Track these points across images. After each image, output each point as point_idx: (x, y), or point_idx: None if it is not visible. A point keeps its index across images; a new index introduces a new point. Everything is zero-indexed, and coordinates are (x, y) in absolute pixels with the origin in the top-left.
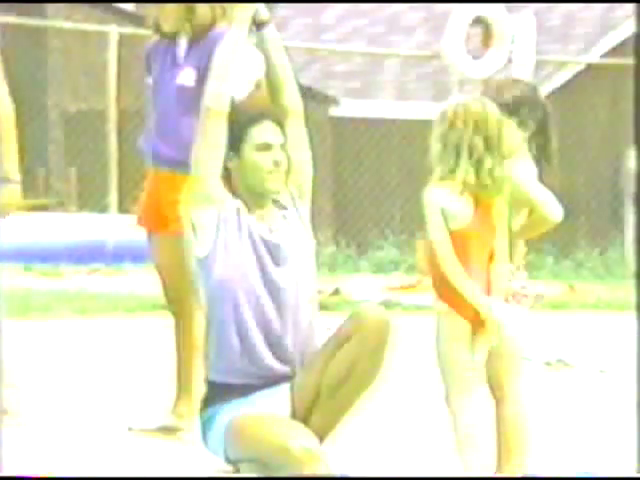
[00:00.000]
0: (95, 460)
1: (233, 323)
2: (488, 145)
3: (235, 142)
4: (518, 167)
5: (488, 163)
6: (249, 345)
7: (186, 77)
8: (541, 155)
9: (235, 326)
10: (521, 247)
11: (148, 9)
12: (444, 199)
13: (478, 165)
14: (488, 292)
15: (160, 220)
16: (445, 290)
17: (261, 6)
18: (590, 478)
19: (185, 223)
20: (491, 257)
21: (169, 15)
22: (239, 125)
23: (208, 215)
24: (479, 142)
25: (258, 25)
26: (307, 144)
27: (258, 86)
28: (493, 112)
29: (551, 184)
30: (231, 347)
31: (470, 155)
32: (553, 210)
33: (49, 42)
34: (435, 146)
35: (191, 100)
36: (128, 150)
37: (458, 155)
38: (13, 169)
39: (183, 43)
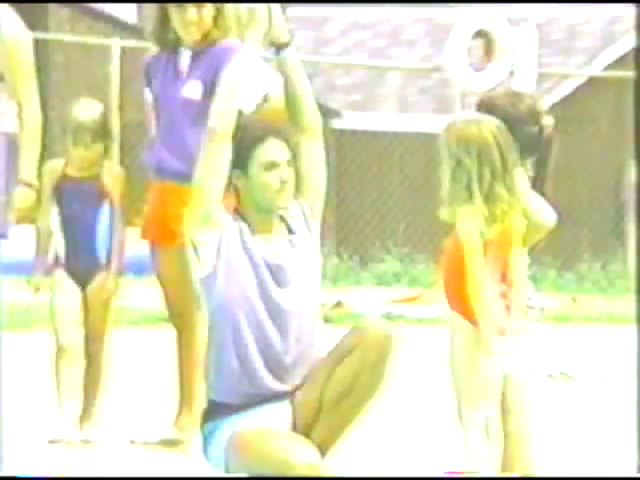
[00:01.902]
0: (97, 472)
1: (233, 345)
2: (494, 173)
3: (242, 161)
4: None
5: (498, 190)
6: (249, 368)
7: (192, 90)
8: (539, 167)
9: (235, 348)
10: (525, 259)
11: (149, 20)
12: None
13: (488, 197)
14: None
15: (165, 233)
16: (461, 301)
17: (283, 28)
18: (590, 478)
19: (187, 241)
20: (504, 275)
21: (195, 23)
22: (245, 144)
23: (209, 236)
24: (487, 173)
25: (279, 47)
26: (323, 164)
27: (266, 100)
28: (491, 133)
29: (548, 195)
30: (231, 369)
31: (480, 189)
32: (545, 216)
33: (51, 55)
34: (445, 181)
35: (197, 113)
36: (130, 163)
37: (470, 190)
38: (32, 174)
39: (186, 55)
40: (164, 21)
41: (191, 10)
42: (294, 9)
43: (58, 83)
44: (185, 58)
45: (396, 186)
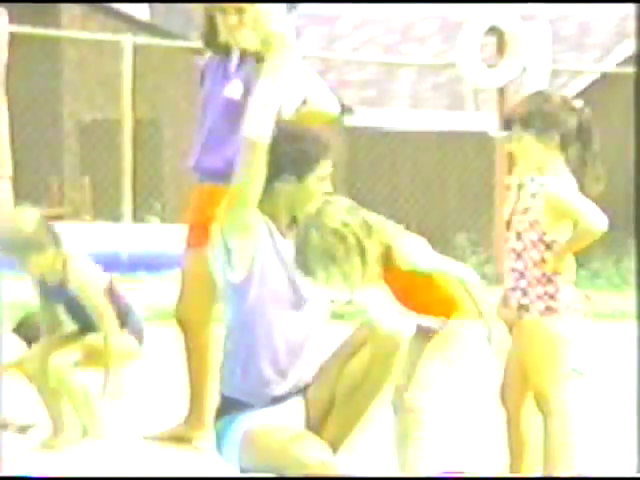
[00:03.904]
0: (109, 468)
1: (265, 348)
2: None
3: (302, 170)
4: (554, 181)
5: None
6: (278, 370)
7: (233, 90)
8: (584, 150)
9: (267, 351)
10: (571, 261)
11: (201, 24)
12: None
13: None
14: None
15: (203, 234)
16: (415, 298)
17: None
18: (590, 478)
19: (213, 244)
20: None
21: (236, 27)
22: (311, 157)
23: (246, 244)
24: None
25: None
26: None
27: (305, 102)
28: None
29: (595, 190)
30: (260, 372)
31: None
32: (596, 220)
33: (64, 52)
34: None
35: (237, 113)
36: (142, 159)
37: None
38: (4, 164)
39: (235, 56)
40: (212, 24)
41: (232, 15)
42: (306, 6)
43: (70, 80)
44: (234, 59)
45: (408, 183)
